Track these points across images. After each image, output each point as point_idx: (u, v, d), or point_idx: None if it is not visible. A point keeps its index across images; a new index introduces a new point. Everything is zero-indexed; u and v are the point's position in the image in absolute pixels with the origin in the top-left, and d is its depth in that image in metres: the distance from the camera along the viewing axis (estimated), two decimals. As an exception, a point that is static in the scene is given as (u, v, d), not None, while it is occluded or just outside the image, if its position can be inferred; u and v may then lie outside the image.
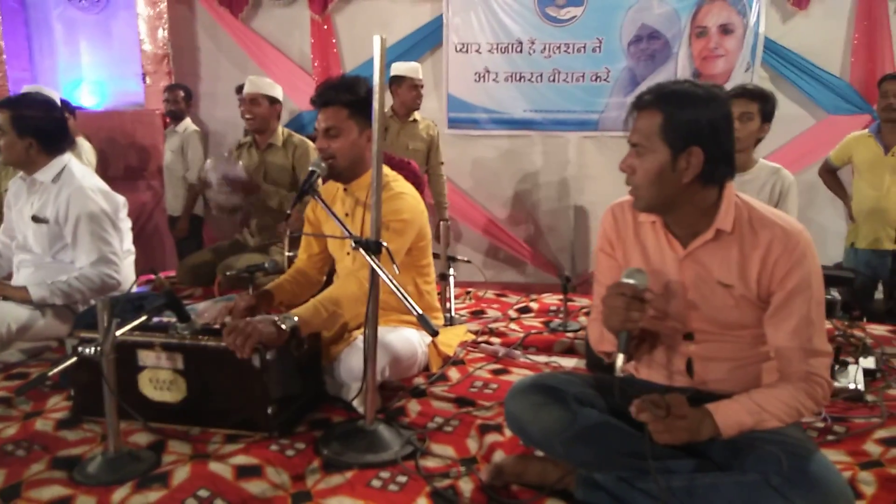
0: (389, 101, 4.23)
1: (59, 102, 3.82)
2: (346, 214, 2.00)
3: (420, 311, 1.40)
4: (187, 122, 4.84)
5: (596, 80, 5.23)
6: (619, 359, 1.32)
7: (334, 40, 5.78)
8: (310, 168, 1.90)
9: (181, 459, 1.56)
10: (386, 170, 1.97)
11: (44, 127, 2.35)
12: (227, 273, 2.81)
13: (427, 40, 5.59)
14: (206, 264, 3.22)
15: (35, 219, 2.42)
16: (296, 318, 1.70)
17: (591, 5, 5.15)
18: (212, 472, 1.49)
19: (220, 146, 5.60)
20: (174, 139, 4.81)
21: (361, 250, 1.57)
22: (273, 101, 3.33)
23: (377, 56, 1.55)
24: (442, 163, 4.48)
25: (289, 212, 1.85)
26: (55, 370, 1.46)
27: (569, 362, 2.22)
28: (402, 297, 1.46)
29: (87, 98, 6.22)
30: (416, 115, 4.17)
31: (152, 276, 3.22)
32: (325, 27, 5.71)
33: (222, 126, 5.87)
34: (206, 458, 1.56)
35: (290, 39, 5.84)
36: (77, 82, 6.23)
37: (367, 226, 1.94)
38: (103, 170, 5.07)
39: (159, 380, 1.69)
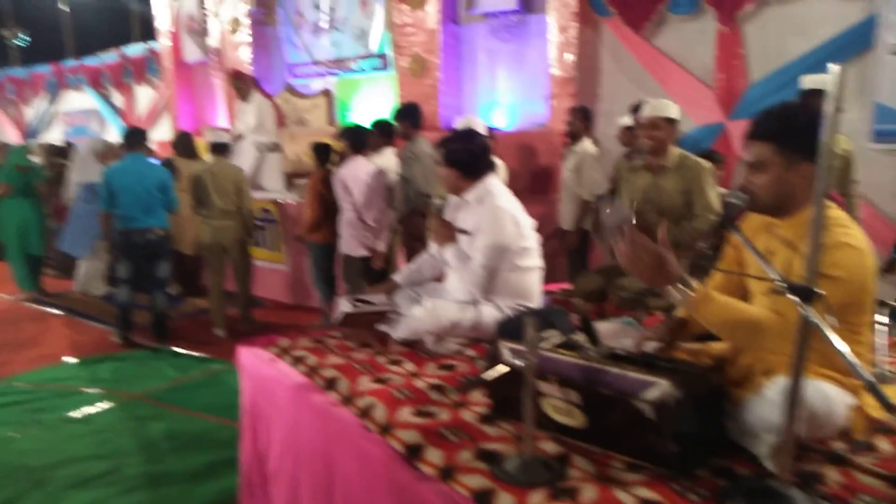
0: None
1: (483, 126, 4.40)
2: (770, 251, 1.86)
3: (871, 379, 1.22)
4: (585, 143, 5.08)
5: None
6: None
7: (741, 50, 5.45)
8: (728, 199, 1.82)
9: (586, 478, 1.64)
10: (834, 211, 1.75)
11: (464, 158, 2.75)
12: (621, 294, 2.87)
13: (852, 44, 4.89)
14: (597, 283, 3.33)
15: (461, 231, 2.84)
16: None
17: None
18: (618, 499, 1.54)
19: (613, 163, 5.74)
20: (572, 158, 5.10)
21: (791, 296, 1.44)
22: (672, 122, 3.28)
23: (831, 87, 1.38)
24: (855, 181, 3.89)
25: (703, 247, 1.79)
26: (491, 375, 1.67)
27: None
28: (846, 358, 1.30)
29: (500, 119, 7.01)
30: None
31: (552, 288, 3.48)
32: (733, 37, 5.42)
33: (616, 144, 6.04)
34: (610, 482, 1.62)
35: (692, 53, 5.70)
36: (492, 105, 7.08)
37: (791, 270, 1.78)
38: (511, 184, 5.66)
39: (559, 407, 1.80)
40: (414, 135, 4.96)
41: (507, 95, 6.94)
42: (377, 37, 7.65)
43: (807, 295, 1.42)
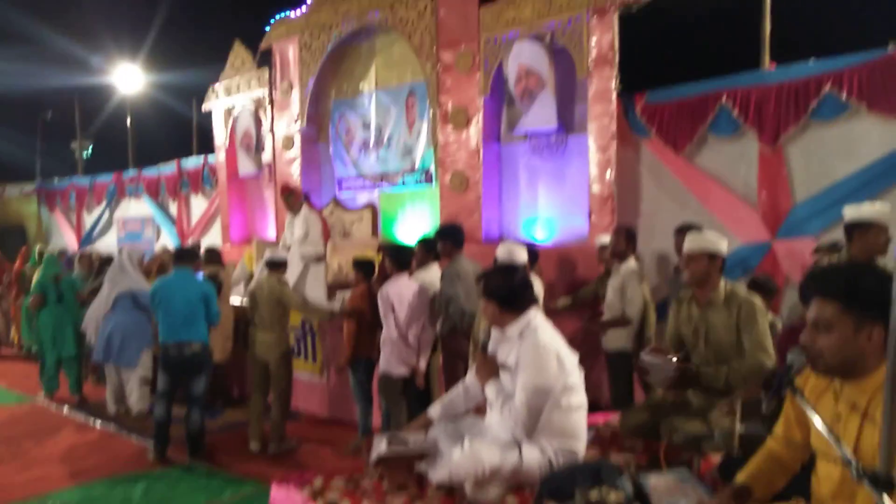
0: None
1: (525, 255, 4.40)
2: (837, 418, 1.73)
3: None
4: (630, 262, 5.03)
5: None
6: None
7: (784, 171, 5.44)
8: (788, 359, 1.73)
9: None
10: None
11: (504, 293, 2.73)
12: (674, 437, 2.72)
13: (898, 167, 4.86)
14: (646, 419, 3.18)
15: (502, 366, 2.77)
16: None
17: None
18: None
19: (651, 279, 5.62)
20: (616, 278, 5.04)
21: (866, 483, 1.32)
22: (714, 256, 3.16)
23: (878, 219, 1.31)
24: None
25: (763, 407, 1.68)
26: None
27: None
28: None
29: (539, 233, 7.05)
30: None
31: (598, 420, 3.33)
32: (775, 158, 5.43)
33: (655, 259, 5.99)
34: None
35: (734, 172, 5.72)
36: (533, 220, 7.14)
37: (865, 441, 1.65)
38: (548, 297, 5.60)
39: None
40: (455, 254, 5.00)
41: (547, 210, 7.01)
42: (421, 153, 7.91)
43: (884, 485, 1.30)
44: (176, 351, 5.18)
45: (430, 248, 5.21)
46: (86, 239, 14.01)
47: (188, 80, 13.56)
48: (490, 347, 2.88)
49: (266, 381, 5.46)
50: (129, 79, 15.54)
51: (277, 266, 5.56)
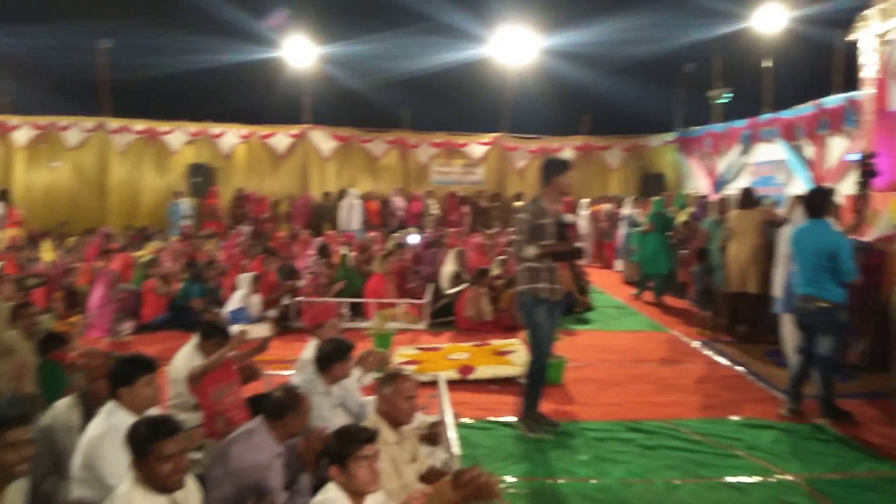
0: None
1: None
2: None
3: None
4: None
5: None
6: None
7: None
8: None
9: None
10: None
11: None
12: None
13: None
14: None
15: None
16: None
17: None
18: None
19: None
20: None
21: None
22: None
23: None
24: None
25: None
26: None
27: None
28: None
29: None
30: None
31: None
32: None
33: None
34: None
35: None
36: None
37: None
38: None
39: None
40: None
41: None
42: None
43: None
44: (801, 304, 4.96)
45: None
46: (719, 184, 14.61)
47: (832, 11, 12.36)
48: None
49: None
50: (770, 18, 15.21)
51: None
